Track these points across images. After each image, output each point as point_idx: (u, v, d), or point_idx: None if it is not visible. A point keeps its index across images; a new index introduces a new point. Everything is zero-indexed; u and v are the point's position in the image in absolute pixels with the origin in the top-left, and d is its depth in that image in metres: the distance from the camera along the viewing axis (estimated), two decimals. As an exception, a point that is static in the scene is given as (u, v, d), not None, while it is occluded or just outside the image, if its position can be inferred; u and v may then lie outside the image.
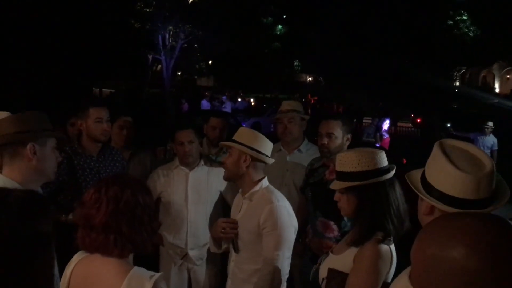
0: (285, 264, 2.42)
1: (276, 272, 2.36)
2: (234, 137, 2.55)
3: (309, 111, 17.18)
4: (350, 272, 1.92)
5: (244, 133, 2.56)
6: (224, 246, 2.67)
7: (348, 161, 2.02)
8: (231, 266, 2.62)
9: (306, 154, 3.60)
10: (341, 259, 2.01)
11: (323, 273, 2.08)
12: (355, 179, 1.98)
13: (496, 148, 9.22)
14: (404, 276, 1.42)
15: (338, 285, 1.96)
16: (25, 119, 2.12)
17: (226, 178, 2.64)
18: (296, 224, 2.52)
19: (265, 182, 2.55)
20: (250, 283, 2.46)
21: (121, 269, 1.58)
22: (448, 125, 12.21)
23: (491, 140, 9.27)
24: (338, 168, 2.06)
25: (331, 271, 2.02)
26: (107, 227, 1.57)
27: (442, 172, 1.47)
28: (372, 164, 1.99)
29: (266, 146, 2.54)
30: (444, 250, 0.90)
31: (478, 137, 9.32)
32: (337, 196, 2.08)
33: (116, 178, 1.72)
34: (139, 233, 1.62)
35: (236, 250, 2.56)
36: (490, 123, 9.36)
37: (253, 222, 2.43)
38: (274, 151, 2.79)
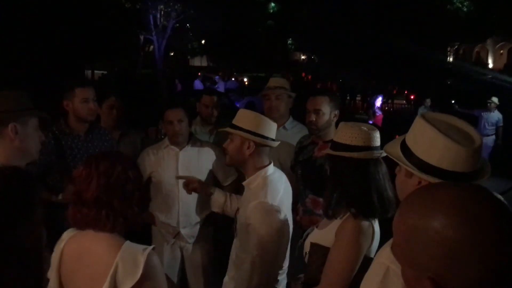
0: (266, 268, 2.19)
1: (254, 272, 2.18)
2: (235, 122, 2.35)
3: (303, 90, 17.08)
4: (331, 247, 1.94)
5: (246, 117, 2.34)
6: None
7: (340, 131, 2.07)
8: (232, 248, 2.54)
9: (291, 131, 3.58)
10: (324, 234, 2.04)
11: (306, 247, 2.11)
12: (334, 149, 2.04)
13: (501, 124, 8.84)
14: (387, 246, 1.43)
15: (319, 259, 1.99)
16: (5, 99, 2.09)
17: (228, 163, 2.46)
18: (279, 226, 2.22)
19: (267, 170, 2.34)
20: (239, 270, 2.37)
21: (114, 243, 1.59)
22: (453, 101, 12.07)
23: (495, 116, 8.90)
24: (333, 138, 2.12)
25: (313, 245, 2.05)
26: (98, 201, 1.59)
27: (433, 144, 1.41)
28: (349, 140, 2.00)
29: (271, 129, 2.34)
30: (425, 220, 0.89)
31: (482, 114, 8.92)
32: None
33: (106, 154, 1.75)
34: (130, 208, 1.65)
35: (236, 233, 2.48)
36: (495, 99, 8.98)
37: (244, 212, 2.30)
38: None
